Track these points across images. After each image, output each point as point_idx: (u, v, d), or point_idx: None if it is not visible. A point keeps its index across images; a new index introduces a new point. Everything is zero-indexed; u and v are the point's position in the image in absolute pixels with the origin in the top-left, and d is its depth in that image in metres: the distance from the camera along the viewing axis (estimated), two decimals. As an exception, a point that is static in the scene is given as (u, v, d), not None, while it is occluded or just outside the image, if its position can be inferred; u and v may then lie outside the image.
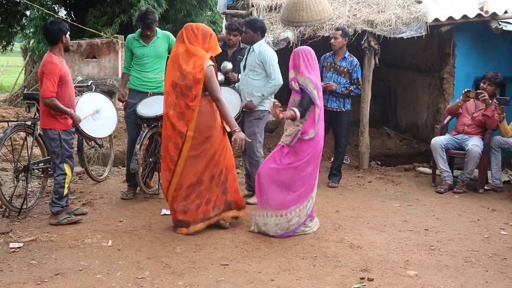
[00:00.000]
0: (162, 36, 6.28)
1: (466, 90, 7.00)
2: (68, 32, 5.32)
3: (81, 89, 6.63)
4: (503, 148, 6.97)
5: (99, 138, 6.62)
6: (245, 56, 6.22)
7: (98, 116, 6.03)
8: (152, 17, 6.07)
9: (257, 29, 6.02)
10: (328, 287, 3.96)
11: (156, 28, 6.25)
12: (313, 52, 5.17)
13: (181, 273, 4.17)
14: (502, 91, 8.05)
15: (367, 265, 4.38)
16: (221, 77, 6.30)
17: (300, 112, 4.97)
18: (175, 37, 5.33)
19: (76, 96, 5.70)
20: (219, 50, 5.25)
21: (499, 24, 7.61)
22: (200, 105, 4.95)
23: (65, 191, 5.33)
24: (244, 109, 6.08)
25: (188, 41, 5.02)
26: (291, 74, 5.10)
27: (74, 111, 5.36)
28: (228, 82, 6.47)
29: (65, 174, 5.29)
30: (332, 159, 7.52)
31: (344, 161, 7.75)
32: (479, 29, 8.00)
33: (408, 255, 4.65)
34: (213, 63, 5.06)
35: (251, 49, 6.09)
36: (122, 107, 6.61)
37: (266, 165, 5.16)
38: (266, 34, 6.42)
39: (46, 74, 5.11)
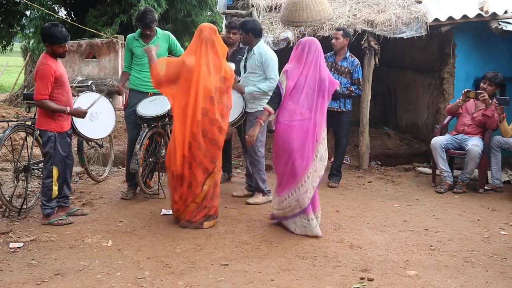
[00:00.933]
0: (162, 36, 6.28)
1: (465, 90, 7.00)
2: (63, 43, 5.21)
3: (81, 89, 6.62)
4: (503, 148, 6.97)
5: (97, 139, 6.60)
6: (244, 57, 6.22)
7: (96, 116, 6.02)
8: (151, 17, 6.07)
9: (249, 31, 6.01)
10: (328, 287, 3.96)
11: (156, 28, 6.25)
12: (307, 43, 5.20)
13: (181, 273, 4.17)
14: (502, 91, 8.05)
15: (367, 265, 4.38)
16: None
17: (273, 107, 5.20)
18: (176, 37, 5.36)
19: (73, 97, 5.70)
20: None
21: (499, 24, 7.61)
22: None
23: (54, 194, 5.32)
24: (246, 110, 6.10)
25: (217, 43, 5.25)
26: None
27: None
28: None
29: (52, 177, 5.28)
30: (332, 159, 7.51)
31: (344, 161, 7.76)
32: (479, 29, 8.00)
33: (408, 255, 4.65)
34: None
35: (251, 52, 6.07)
36: (122, 107, 6.60)
37: None
38: (265, 34, 6.42)
39: (39, 76, 5.11)
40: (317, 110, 5.08)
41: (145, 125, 6.15)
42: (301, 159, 5.02)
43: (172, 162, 5.22)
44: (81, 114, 5.47)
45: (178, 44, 6.39)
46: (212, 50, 5.17)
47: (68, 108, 5.29)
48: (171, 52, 6.34)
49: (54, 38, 5.15)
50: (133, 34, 6.39)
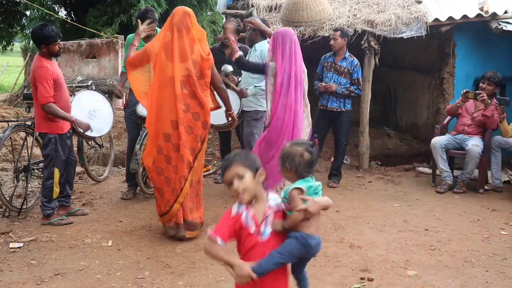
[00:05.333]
0: None
1: (465, 90, 7.01)
2: (57, 40, 5.20)
3: (80, 89, 6.62)
4: (503, 148, 6.97)
5: (97, 137, 6.59)
6: (247, 56, 6.22)
7: (94, 114, 6.02)
8: (152, 16, 6.07)
9: (255, 28, 6.04)
10: (328, 287, 3.96)
11: (156, 27, 6.25)
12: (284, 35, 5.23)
13: (181, 273, 4.18)
14: (502, 91, 8.06)
15: (367, 265, 4.39)
16: (228, 67, 6.27)
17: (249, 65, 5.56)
18: None
19: (70, 96, 5.69)
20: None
21: (499, 24, 7.61)
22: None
23: (55, 194, 5.32)
24: (243, 109, 6.10)
25: (192, 27, 4.81)
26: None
27: (70, 113, 5.35)
28: (226, 85, 6.48)
29: (53, 178, 5.27)
30: (332, 159, 7.52)
31: (344, 161, 7.75)
32: (479, 29, 8.00)
33: (408, 255, 4.65)
34: None
35: (253, 49, 6.11)
36: (122, 107, 6.60)
37: None
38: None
39: (39, 79, 5.06)
40: (297, 101, 5.17)
41: (145, 125, 6.14)
42: None
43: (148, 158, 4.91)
44: (85, 128, 5.48)
45: None
46: (187, 36, 4.75)
47: (74, 118, 5.28)
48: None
49: (48, 37, 5.13)
50: (133, 34, 6.38)
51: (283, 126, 5.09)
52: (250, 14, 8.09)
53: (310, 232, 2.58)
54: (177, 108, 4.70)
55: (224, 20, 7.62)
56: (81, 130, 5.59)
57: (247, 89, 5.96)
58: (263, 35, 6.04)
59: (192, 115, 4.79)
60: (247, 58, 6.17)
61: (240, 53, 5.51)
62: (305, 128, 5.29)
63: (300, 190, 2.58)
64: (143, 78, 4.95)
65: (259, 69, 5.39)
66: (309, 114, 5.40)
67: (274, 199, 2.62)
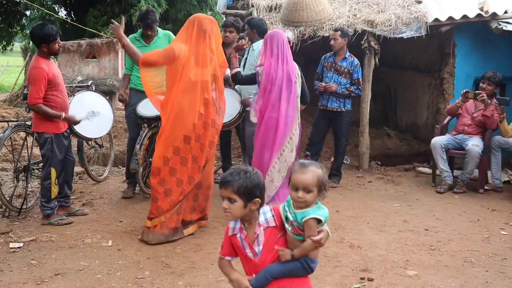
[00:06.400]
0: (163, 36, 6.30)
1: (464, 90, 7.01)
2: (57, 38, 5.21)
3: (81, 89, 6.62)
4: (503, 148, 6.96)
5: (96, 138, 6.60)
6: (245, 56, 6.23)
7: (93, 115, 6.02)
8: (153, 17, 6.09)
9: (253, 27, 6.09)
10: (328, 287, 3.96)
11: (157, 28, 6.26)
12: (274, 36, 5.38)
13: (181, 273, 4.17)
14: (502, 91, 8.06)
15: (367, 265, 4.39)
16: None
17: (242, 77, 5.73)
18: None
19: (69, 96, 5.69)
20: None
21: (499, 24, 7.60)
22: None
23: (53, 194, 5.32)
24: (244, 109, 6.09)
25: (217, 34, 5.04)
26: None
27: (67, 113, 5.34)
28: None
29: (50, 178, 5.27)
30: (332, 159, 7.51)
31: (344, 161, 7.75)
32: (479, 29, 8.00)
33: (408, 255, 4.65)
34: None
35: (251, 48, 6.11)
36: (123, 106, 6.60)
37: None
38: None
39: (32, 80, 5.09)
40: (288, 102, 5.30)
41: (145, 125, 6.15)
42: (272, 149, 5.30)
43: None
44: (74, 122, 5.46)
45: None
46: (212, 42, 4.93)
47: (63, 114, 5.27)
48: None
49: (49, 36, 5.13)
50: (134, 34, 6.40)
51: (272, 126, 5.26)
52: (250, 14, 8.09)
53: (314, 257, 2.54)
54: (197, 111, 4.85)
55: (224, 20, 7.62)
56: (79, 131, 5.60)
57: (249, 98, 5.97)
58: (261, 34, 6.04)
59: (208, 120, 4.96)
60: (245, 57, 6.20)
61: (238, 69, 5.73)
62: (295, 129, 5.42)
63: (318, 220, 2.47)
64: (156, 79, 4.97)
65: (253, 80, 5.53)
66: (299, 117, 5.54)
67: (263, 213, 2.53)
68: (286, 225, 2.50)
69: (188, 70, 4.79)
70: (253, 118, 5.51)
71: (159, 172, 4.84)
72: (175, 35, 6.01)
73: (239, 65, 6.26)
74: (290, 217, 2.47)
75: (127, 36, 6.39)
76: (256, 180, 2.48)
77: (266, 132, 5.31)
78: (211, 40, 4.91)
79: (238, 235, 2.56)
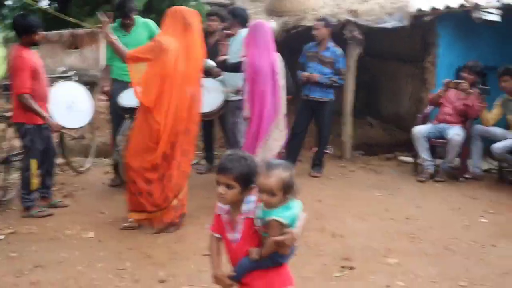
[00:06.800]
0: (142, 24, 6.27)
1: (446, 80, 7.05)
2: (39, 29, 5.15)
3: (61, 80, 6.56)
4: (484, 137, 7.02)
5: (77, 129, 6.53)
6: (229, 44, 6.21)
7: (72, 106, 5.96)
8: (130, 6, 6.03)
9: (236, 17, 6.07)
10: (309, 275, 3.98)
11: (136, 16, 6.22)
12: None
13: (163, 263, 4.17)
14: (483, 80, 8.10)
15: (349, 254, 4.41)
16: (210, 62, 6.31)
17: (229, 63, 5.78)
18: (160, 28, 5.26)
19: (49, 87, 5.63)
20: None
21: (482, 14, 7.63)
22: None
23: (33, 186, 5.27)
24: (227, 100, 6.08)
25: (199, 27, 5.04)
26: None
27: (47, 103, 5.28)
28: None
29: (30, 170, 5.22)
30: (315, 149, 7.52)
31: (326, 150, 7.75)
32: (462, 19, 8.01)
33: (389, 243, 4.68)
34: None
35: (234, 38, 6.09)
36: (106, 97, 6.55)
37: None
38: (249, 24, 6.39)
39: (17, 70, 5.00)
40: (273, 92, 5.34)
41: (128, 116, 6.10)
42: (257, 138, 5.38)
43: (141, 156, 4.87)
44: (55, 128, 5.40)
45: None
46: (198, 35, 4.97)
47: (47, 116, 5.20)
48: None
49: (31, 26, 5.08)
50: (113, 24, 6.33)
51: (258, 115, 5.33)
52: (233, 4, 8.06)
53: (284, 253, 2.50)
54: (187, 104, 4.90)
55: (208, 9, 7.59)
56: (59, 122, 5.56)
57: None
58: (243, 23, 6.02)
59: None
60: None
61: (226, 57, 5.75)
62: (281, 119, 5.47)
63: (280, 223, 2.42)
64: (142, 68, 4.91)
65: (239, 68, 5.53)
66: (285, 107, 5.60)
67: (247, 203, 2.51)
68: (258, 221, 2.49)
69: (180, 63, 4.81)
70: (246, 112, 5.50)
71: (157, 167, 4.84)
72: (159, 25, 5.99)
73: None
74: (260, 214, 2.48)
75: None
76: (254, 167, 2.49)
77: (252, 122, 5.34)
78: (196, 33, 4.93)
79: (223, 216, 2.58)
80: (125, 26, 6.14)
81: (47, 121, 5.26)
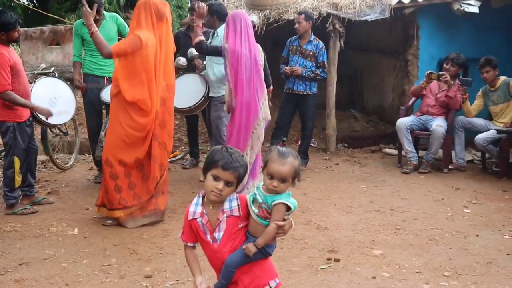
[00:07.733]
0: (110, 18, 6.30)
1: (428, 72, 7.10)
2: (16, 27, 5.08)
3: (42, 76, 6.49)
4: (466, 128, 7.10)
5: (60, 125, 6.48)
6: (209, 41, 6.17)
7: (55, 102, 5.91)
8: (98, 1, 5.98)
9: (214, 13, 6.05)
10: (295, 268, 3.99)
11: (104, 11, 6.24)
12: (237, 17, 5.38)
13: (148, 259, 4.15)
14: (465, 72, 8.18)
15: (334, 246, 4.43)
16: (183, 60, 6.34)
17: (206, 46, 5.60)
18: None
19: (30, 83, 5.58)
20: None
21: (461, 6, 7.68)
22: None
23: (17, 183, 5.23)
24: (209, 95, 6.07)
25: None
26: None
27: (30, 100, 5.24)
28: (193, 69, 6.46)
29: (14, 167, 5.18)
30: (299, 142, 7.54)
31: (311, 144, 7.79)
32: (442, 10, 8.07)
33: (374, 235, 4.71)
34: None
35: (215, 34, 6.06)
36: (81, 94, 6.52)
37: None
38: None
39: None
40: (258, 80, 5.36)
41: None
42: (246, 128, 5.35)
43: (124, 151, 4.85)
44: (46, 113, 5.38)
45: (127, 26, 6.34)
46: (169, 25, 4.99)
47: (34, 104, 5.18)
48: (120, 34, 6.37)
49: (8, 24, 5.01)
50: (81, 20, 6.32)
51: (245, 104, 5.32)
52: (215, -2, 8.01)
53: (271, 242, 2.53)
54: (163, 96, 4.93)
55: (189, 4, 7.52)
56: (42, 118, 5.50)
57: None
58: (222, 19, 5.99)
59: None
60: (209, 42, 6.15)
61: (201, 38, 5.54)
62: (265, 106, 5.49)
63: (288, 208, 2.47)
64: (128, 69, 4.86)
65: (218, 51, 5.47)
66: (267, 96, 5.62)
67: (229, 200, 2.50)
68: (253, 207, 2.48)
69: (161, 56, 4.82)
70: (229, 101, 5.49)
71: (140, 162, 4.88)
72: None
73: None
74: (259, 199, 2.46)
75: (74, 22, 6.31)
76: (247, 165, 2.54)
77: (240, 112, 5.33)
78: (168, 24, 4.94)
79: (198, 219, 2.53)
80: (95, 22, 6.08)
81: (36, 110, 5.23)
